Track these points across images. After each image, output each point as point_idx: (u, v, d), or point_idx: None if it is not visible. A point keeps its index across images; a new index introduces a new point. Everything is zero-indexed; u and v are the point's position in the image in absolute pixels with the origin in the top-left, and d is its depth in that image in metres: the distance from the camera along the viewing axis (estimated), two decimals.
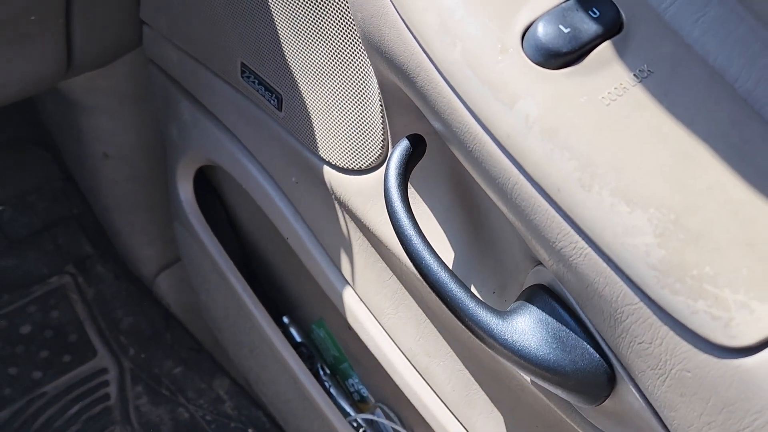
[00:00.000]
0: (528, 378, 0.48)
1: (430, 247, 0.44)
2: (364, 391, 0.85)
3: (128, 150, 0.98)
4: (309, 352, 0.88)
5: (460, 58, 0.39)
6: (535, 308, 0.42)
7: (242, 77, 0.67)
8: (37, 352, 1.04)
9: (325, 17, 0.54)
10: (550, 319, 0.41)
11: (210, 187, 0.95)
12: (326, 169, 0.61)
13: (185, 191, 0.86)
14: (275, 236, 0.80)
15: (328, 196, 0.62)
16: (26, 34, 0.73)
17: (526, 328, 0.41)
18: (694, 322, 0.34)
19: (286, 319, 0.90)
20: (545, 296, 0.42)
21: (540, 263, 0.44)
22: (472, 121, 0.40)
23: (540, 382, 0.42)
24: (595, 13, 0.40)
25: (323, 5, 0.53)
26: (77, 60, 0.78)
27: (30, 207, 1.16)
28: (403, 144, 0.49)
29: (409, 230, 0.45)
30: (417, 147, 0.49)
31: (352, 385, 0.86)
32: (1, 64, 0.74)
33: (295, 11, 0.56)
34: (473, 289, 0.51)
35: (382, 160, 0.55)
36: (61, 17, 0.73)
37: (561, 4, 0.40)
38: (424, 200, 0.53)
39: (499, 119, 0.38)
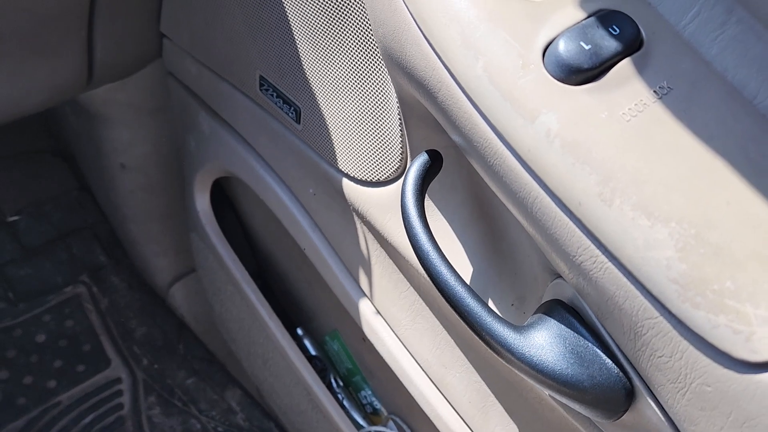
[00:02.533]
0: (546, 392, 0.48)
1: (447, 261, 0.45)
2: (377, 404, 0.85)
3: (145, 161, 1.00)
4: (322, 365, 0.89)
5: (482, 73, 0.40)
6: (553, 322, 0.42)
7: (261, 90, 0.68)
8: (51, 361, 1.05)
9: (345, 32, 0.55)
10: (568, 333, 0.42)
11: (225, 198, 0.95)
12: (344, 181, 0.61)
13: (202, 202, 0.87)
14: (290, 248, 0.80)
15: (346, 208, 0.63)
16: (48, 46, 0.74)
17: (544, 342, 0.42)
18: (715, 336, 0.34)
19: (299, 331, 0.90)
20: (563, 311, 0.43)
21: (559, 276, 0.44)
22: (493, 136, 0.40)
23: (558, 397, 0.42)
24: (615, 31, 0.40)
25: (343, 20, 0.54)
26: (98, 72, 0.80)
27: (46, 216, 1.18)
28: (422, 158, 0.49)
29: (426, 245, 0.45)
30: (435, 161, 0.50)
31: (365, 397, 0.86)
32: (24, 75, 0.76)
33: (314, 26, 0.57)
34: (491, 302, 0.51)
35: (401, 172, 0.56)
36: (83, 30, 0.74)
37: (582, 21, 0.41)
38: (442, 213, 0.54)
39: (520, 134, 0.39)
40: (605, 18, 0.41)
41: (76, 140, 1.12)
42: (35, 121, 1.19)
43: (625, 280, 0.36)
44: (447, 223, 0.54)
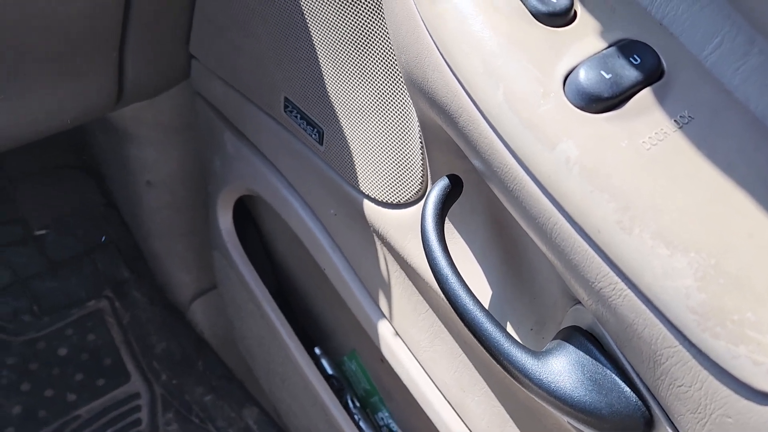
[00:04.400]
0: (565, 419, 0.48)
1: (466, 286, 0.45)
2: (394, 426, 0.85)
3: (170, 178, 1.01)
4: (339, 385, 0.89)
5: (503, 100, 0.41)
6: (571, 349, 0.42)
7: (285, 111, 0.69)
8: (72, 374, 1.06)
9: (369, 57, 0.56)
10: (587, 360, 0.42)
11: (249, 216, 0.97)
12: (365, 202, 0.62)
13: (225, 220, 0.88)
14: (311, 267, 0.81)
15: (366, 229, 0.64)
16: (81, 67, 0.76)
17: (562, 369, 0.42)
18: (735, 367, 0.34)
19: (318, 350, 0.91)
20: (582, 337, 0.43)
21: (579, 302, 0.44)
22: (513, 162, 0.41)
23: (576, 424, 0.42)
24: (636, 60, 0.41)
25: (367, 46, 0.55)
26: (128, 92, 0.82)
27: (72, 231, 1.20)
28: (442, 182, 0.50)
29: (445, 269, 0.46)
30: (455, 185, 0.50)
31: (382, 419, 0.86)
32: (56, 94, 0.78)
33: (339, 51, 0.58)
34: (510, 326, 0.51)
35: (421, 195, 0.57)
36: (115, 51, 0.76)
37: (602, 50, 0.41)
38: (462, 236, 0.54)
39: (540, 160, 0.39)
40: (626, 47, 0.41)
41: (103, 157, 1.14)
42: (64, 137, 1.22)
43: (644, 307, 0.36)
44: (467, 246, 0.54)
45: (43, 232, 1.19)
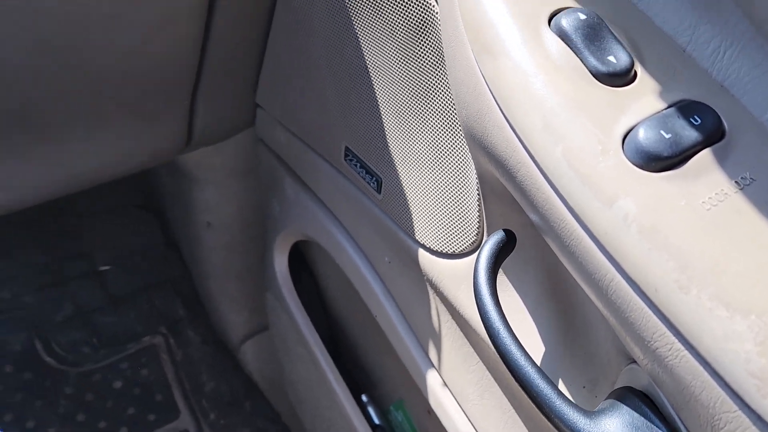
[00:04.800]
0: None
1: (518, 341, 0.45)
2: None
3: (230, 220, 1.05)
4: None
5: (561, 157, 0.41)
6: (625, 409, 0.42)
7: (345, 160, 0.71)
8: (125, 408, 1.09)
9: (430, 111, 0.57)
10: (641, 422, 0.41)
11: (303, 261, 0.99)
12: (420, 251, 0.63)
13: (280, 264, 0.90)
14: (363, 314, 0.82)
15: (420, 278, 0.64)
16: (155, 114, 0.81)
17: (615, 430, 0.41)
18: None
19: (365, 398, 0.91)
20: (636, 398, 0.42)
21: (633, 361, 0.43)
22: (570, 217, 0.41)
23: None
24: (696, 121, 0.41)
25: (429, 101, 0.57)
26: (196, 137, 0.86)
27: (133, 268, 1.24)
28: (497, 236, 0.50)
29: (497, 323, 0.46)
30: (510, 240, 0.50)
31: None
32: (131, 138, 0.82)
33: (402, 104, 0.60)
34: (562, 383, 0.51)
35: (476, 246, 0.57)
36: (187, 99, 0.80)
37: (662, 110, 0.42)
38: (516, 290, 0.54)
39: (597, 217, 0.40)
40: (686, 108, 0.42)
41: (167, 198, 1.19)
42: (131, 178, 1.27)
43: (701, 369, 0.36)
44: (520, 300, 0.54)
45: (106, 267, 1.24)
